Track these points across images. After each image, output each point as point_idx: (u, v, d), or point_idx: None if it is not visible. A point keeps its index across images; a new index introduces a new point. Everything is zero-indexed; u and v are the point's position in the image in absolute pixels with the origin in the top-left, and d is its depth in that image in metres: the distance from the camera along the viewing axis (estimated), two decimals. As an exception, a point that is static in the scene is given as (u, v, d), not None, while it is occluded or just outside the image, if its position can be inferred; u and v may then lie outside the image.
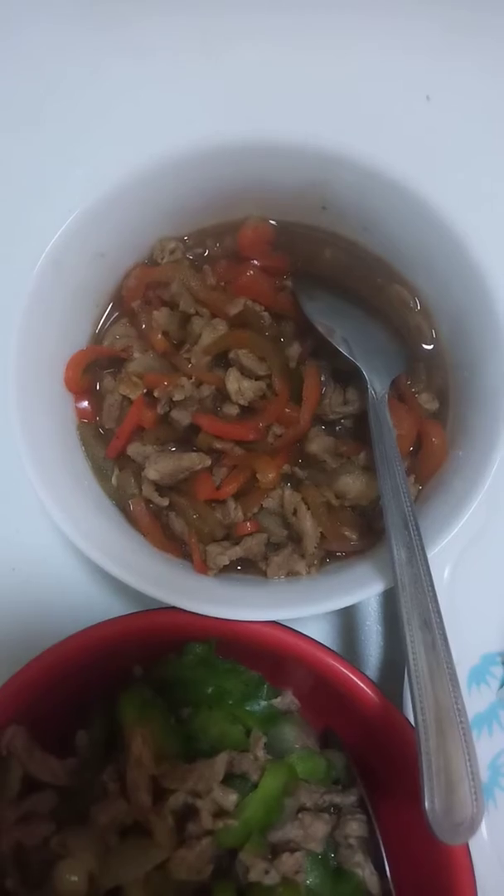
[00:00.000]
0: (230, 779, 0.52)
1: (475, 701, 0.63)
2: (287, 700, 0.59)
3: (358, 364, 0.59)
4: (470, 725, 0.46)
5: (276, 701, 0.58)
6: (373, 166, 0.58)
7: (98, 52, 0.84)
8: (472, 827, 0.44)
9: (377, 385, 0.59)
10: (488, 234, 0.57)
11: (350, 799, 0.56)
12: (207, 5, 0.85)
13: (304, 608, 0.53)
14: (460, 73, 0.83)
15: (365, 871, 0.54)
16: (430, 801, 0.43)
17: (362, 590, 0.53)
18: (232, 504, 0.60)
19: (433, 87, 0.83)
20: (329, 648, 0.55)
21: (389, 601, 0.70)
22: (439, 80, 0.83)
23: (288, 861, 0.50)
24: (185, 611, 0.53)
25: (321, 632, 0.69)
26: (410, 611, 0.48)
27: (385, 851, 0.55)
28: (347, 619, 0.70)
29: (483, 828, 0.60)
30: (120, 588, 0.68)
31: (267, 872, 0.49)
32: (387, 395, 0.58)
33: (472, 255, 0.57)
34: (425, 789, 0.43)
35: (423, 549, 0.51)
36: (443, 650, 0.47)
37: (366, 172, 0.59)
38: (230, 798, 0.51)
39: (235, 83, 0.82)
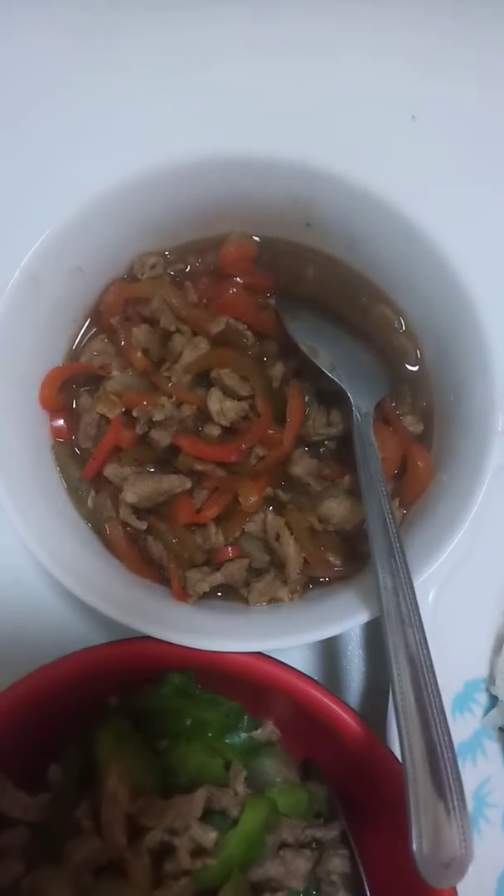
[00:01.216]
0: (209, 815, 0.51)
1: (459, 729, 0.62)
2: (268, 731, 0.57)
3: (342, 385, 0.58)
4: (457, 761, 0.45)
5: (257, 733, 0.56)
6: (358, 184, 0.57)
7: (79, 67, 0.83)
8: (461, 870, 0.42)
9: (362, 407, 0.57)
10: (474, 254, 0.57)
11: (332, 833, 0.54)
12: (189, 20, 0.84)
13: (286, 639, 0.51)
14: (445, 91, 0.83)
15: (349, 909, 0.52)
16: (419, 843, 0.42)
17: (347, 620, 0.51)
18: (213, 528, 0.58)
19: (419, 106, 0.82)
20: (311, 678, 0.53)
21: (372, 626, 0.68)
22: (425, 99, 0.82)
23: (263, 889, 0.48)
24: (163, 640, 0.52)
25: (302, 657, 0.67)
26: (397, 644, 0.47)
27: (368, 887, 0.54)
28: (329, 645, 0.68)
29: (469, 874, 0.59)
30: (95, 615, 0.65)
31: (247, 914, 0.48)
32: (371, 418, 0.57)
33: (457, 276, 0.56)
34: (413, 831, 0.42)
35: (409, 577, 0.50)
36: (430, 684, 0.46)
37: (351, 190, 0.58)
38: (209, 836, 0.49)
39: (218, 98, 0.81)
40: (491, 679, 0.63)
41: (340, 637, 0.68)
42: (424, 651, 0.47)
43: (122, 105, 0.81)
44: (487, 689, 0.63)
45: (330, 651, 0.68)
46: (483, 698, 0.63)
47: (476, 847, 0.59)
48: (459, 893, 0.52)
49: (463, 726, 0.62)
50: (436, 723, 0.44)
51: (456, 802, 0.43)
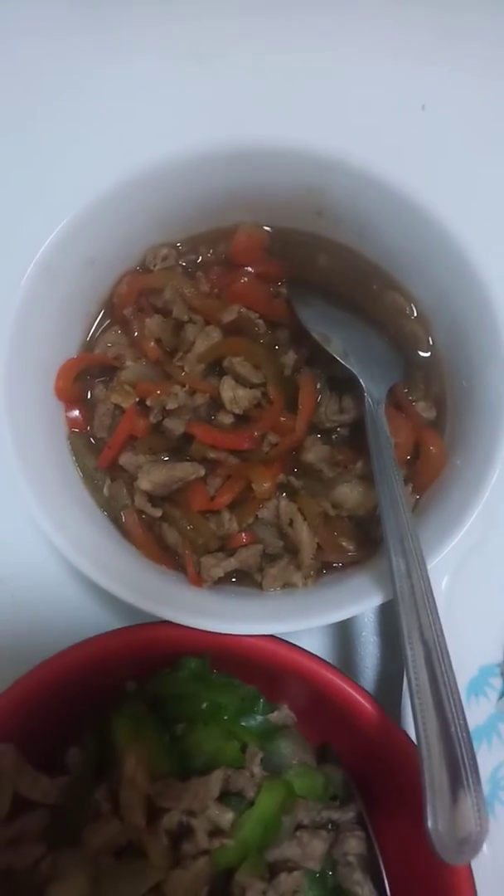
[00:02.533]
0: (226, 797, 0.51)
1: (474, 713, 0.62)
2: (283, 714, 0.58)
3: (354, 372, 0.58)
4: (471, 740, 0.45)
5: (273, 716, 0.57)
6: (369, 172, 0.57)
7: (89, 58, 0.83)
8: (476, 847, 0.43)
9: (374, 393, 0.58)
10: (486, 241, 0.57)
11: (348, 815, 0.55)
12: (197, 9, 0.85)
13: (300, 622, 0.52)
14: (456, 79, 0.83)
15: (364, 890, 0.52)
16: (433, 821, 0.42)
17: (360, 602, 0.52)
18: (227, 515, 0.59)
19: (429, 94, 0.82)
20: (326, 661, 0.54)
21: (386, 612, 0.69)
22: (435, 87, 0.82)
23: (286, 881, 0.49)
24: (179, 624, 0.52)
25: (317, 644, 0.68)
26: (410, 625, 0.47)
27: (384, 869, 0.54)
28: (344, 631, 0.68)
29: (486, 856, 0.59)
30: (113, 601, 0.66)
31: (264, 893, 0.48)
32: (384, 404, 0.58)
33: (469, 262, 0.56)
34: (428, 808, 0.42)
35: (422, 560, 0.50)
36: (444, 665, 0.46)
37: (362, 178, 0.58)
38: (226, 817, 0.50)
39: (227, 88, 0.81)
40: (506, 665, 0.63)
41: (354, 623, 0.69)
42: (438, 632, 0.48)
43: (131, 97, 0.81)
44: (502, 674, 0.63)
45: (344, 637, 0.68)
46: (498, 682, 0.63)
47: (492, 830, 0.60)
48: (475, 876, 0.53)
49: (478, 710, 0.62)
50: (450, 702, 0.45)
51: (471, 780, 0.43)
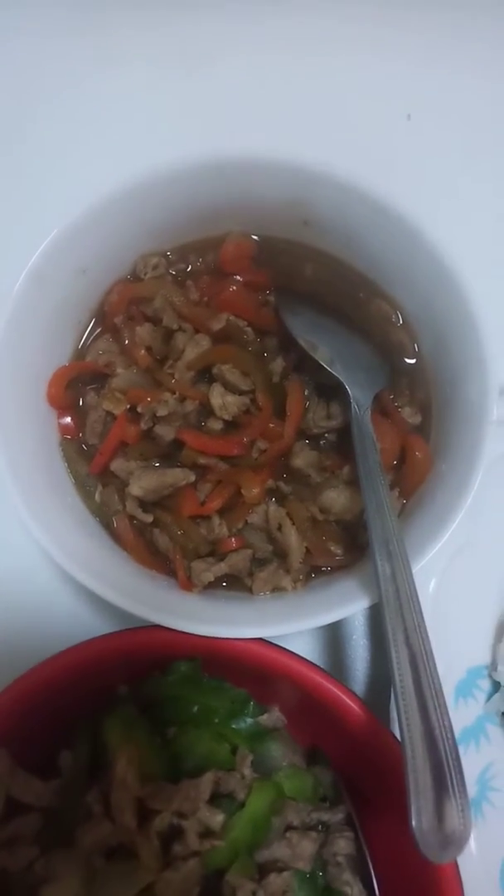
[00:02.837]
0: (216, 798, 0.52)
1: (462, 714, 0.63)
2: (273, 717, 0.58)
3: (341, 379, 0.59)
4: (456, 741, 0.46)
5: (263, 718, 0.57)
6: (353, 183, 0.59)
7: (81, 69, 0.84)
8: (460, 846, 0.43)
9: (360, 399, 0.59)
10: (468, 249, 0.58)
11: (338, 816, 0.56)
12: (186, 19, 0.86)
13: (289, 625, 0.53)
14: (441, 89, 0.84)
15: (353, 890, 0.53)
16: (418, 820, 0.43)
17: (348, 606, 0.53)
18: (217, 520, 0.59)
19: (414, 104, 0.83)
20: (315, 665, 0.55)
21: (375, 615, 0.70)
22: (420, 97, 0.84)
23: (276, 882, 0.50)
24: (169, 629, 0.53)
25: (307, 647, 0.68)
26: (395, 627, 0.48)
27: (373, 869, 0.55)
28: (333, 634, 0.69)
29: (472, 843, 0.60)
30: (104, 606, 0.67)
31: (255, 893, 0.49)
32: (370, 410, 0.59)
33: (452, 271, 0.57)
34: (412, 808, 0.43)
35: (407, 564, 0.51)
36: (428, 667, 0.47)
37: (346, 189, 0.59)
38: (217, 818, 0.50)
39: (216, 98, 0.83)
40: (493, 665, 0.64)
41: (344, 627, 0.69)
42: (423, 635, 0.49)
43: (122, 107, 0.83)
44: (490, 676, 0.64)
45: (334, 640, 0.69)
46: (486, 684, 0.64)
47: (480, 831, 0.61)
48: (463, 876, 0.53)
49: (466, 712, 0.63)
50: (434, 704, 0.46)
51: (454, 781, 0.44)
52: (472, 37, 0.87)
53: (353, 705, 0.53)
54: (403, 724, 0.45)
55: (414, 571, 0.52)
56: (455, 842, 0.43)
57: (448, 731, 0.45)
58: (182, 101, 0.83)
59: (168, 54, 0.85)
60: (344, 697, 0.53)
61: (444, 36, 0.87)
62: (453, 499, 0.54)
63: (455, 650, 0.63)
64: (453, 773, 0.44)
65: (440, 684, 0.47)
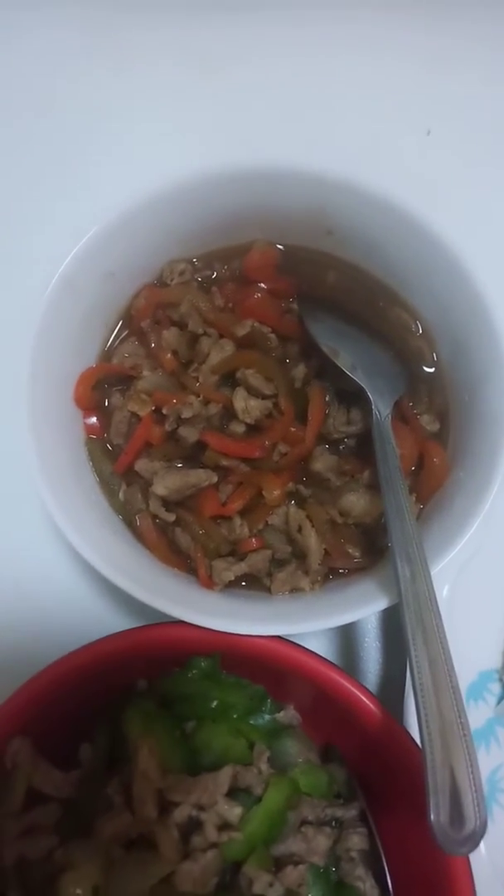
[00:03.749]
0: (234, 792, 0.53)
1: (473, 717, 0.64)
2: (289, 715, 0.60)
3: (362, 385, 0.61)
4: (472, 735, 0.47)
5: (279, 715, 0.58)
6: (375, 193, 0.60)
7: (109, 83, 0.86)
8: (476, 840, 0.45)
9: (381, 406, 0.60)
10: (487, 258, 0.59)
11: (351, 813, 0.57)
12: (211, 29, 0.88)
13: (307, 623, 0.54)
14: (460, 97, 0.86)
15: (366, 885, 0.54)
16: (436, 814, 0.44)
17: (365, 607, 0.54)
18: (238, 520, 0.61)
19: (433, 112, 0.85)
20: (331, 662, 0.56)
21: (388, 618, 0.71)
22: (439, 105, 0.85)
23: (291, 874, 0.51)
24: (189, 624, 0.54)
25: (321, 648, 0.70)
26: (415, 627, 0.50)
27: (386, 864, 0.56)
28: (347, 636, 0.70)
29: (482, 845, 0.61)
30: (125, 603, 0.69)
31: (271, 885, 0.50)
32: (390, 416, 0.60)
33: (472, 281, 0.59)
34: (430, 802, 0.44)
35: (426, 566, 0.52)
36: (446, 665, 0.48)
37: (369, 199, 0.61)
38: (234, 811, 0.51)
39: (241, 107, 0.85)
40: (503, 670, 0.65)
41: (357, 629, 0.71)
42: (441, 635, 0.50)
43: (149, 118, 0.84)
44: (500, 679, 0.65)
45: (348, 642, 0.70)
46: (496, 688, 0.65)
47: (489, 832, 0.62)
48: (474, 878, 0.54)
49: (477, 714, 0.64)
50: (452, 700, 0.47)
51: (471, 776, 0.45)
52: (492, 41, 0.88)
53: (368, 703, 0.54)
54: (423, 720, 0.46)
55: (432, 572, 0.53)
56: (472, 836, 0.44)
57: (465, 727, 0.47)
58: (203, 108, 0.85)
59: (190, 64, 0.87)
60: (359, 695, 0.55)
61: (465, 41, 0.88)
62: (471, 505, 0.55)
63: (466, 654, 0.64)
64: (470, 769, 0.45)
65: (458, 683, 0.48)
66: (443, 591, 0.64)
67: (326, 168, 0.60)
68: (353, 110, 0.84)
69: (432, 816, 0.44)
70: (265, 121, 0.82)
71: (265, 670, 0.57)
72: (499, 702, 0.65)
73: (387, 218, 0.61)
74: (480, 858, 0.60)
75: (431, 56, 0.88)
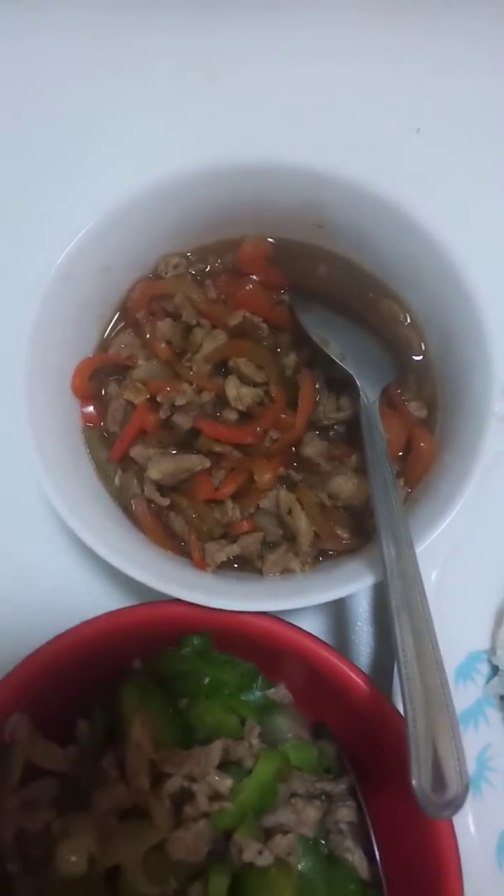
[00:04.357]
0: (226, 765, 0.55)
1: (462, 696, 0.65)
2: (280, 692, 0.61)
3: (351, 373, 0.63)
4: (454, 705, 0.48)
5: (271, 692, 0.60)
6: (365, 187, 0.62)
7: (108, 81, 0.89)
8: (457, 803, 0.46)
9: (369, 393, 0.62)
10: (474, 251, 0.61)
11: (341, 787, 0.58)
12: (206, 29, 0.90)
13: (297, 600, 0.55)
14: (450, 95, 0.88)
15: (355, 857, 0.56)
16: (418, 780, 0.45)
17: (353, 583, 0.56)
18: (230, 504, 0.63)
19: (424, 109, 0.87)
20: (322, 640, 0.57)
21: (379, 604, 0.72)
22: (429, 103, 0.87)
23: (281, 842, 0.52)
24: (182, 603, 0.56)
25: (313, 632, 0.71)
26: (399, 602, 0.51)
27: (374, 837, 0.58)
28: (338, 621, 0.72)
29: (470, 821, 0.62)
30: (120, 584, 0.71)
31: (260, 853, 0.52)
32: (378, 403, 0.62)
33: (460, 275, 0.60)
34: (412, 767, 0.46)
35: (411, 545, 0.54)
36: (430, 637, 0.50)
37: (360, 194, 0.63)
38: (226, 782, 0.53)
39: (232, 104, 0.87)
40: (492, 650, 0.67)
41: (348, 613, 0.72)
42: (425, 609, 0.51)
43: (144, 116, 0.87)
44: (489, 660, 0.67)
45: (339, 627, 0.72)
46: (485, 668, 0.67)
47: (477, 808, 0.64)
48: (462, 855, 0.56)
49: (465, 694, 0.65)
50: (435, 669, 0.48)
51: (454, 742, 0.46)
52: (482, 40, 0.90)
53: (358, 680, 0.56)
54: (406, 689, 0.48)
55: (418, 553, 0.55)
56: (454, 801, 0.46)
57: (448, 697, 0.48)
58: (200, 107, 0.87)
59: (187, 60, 0.89)
60: (349, 672, 0.56)
61: (455, 40, 0.90)
62: (455, 487, 0.57)
63: (455, 636, 0.66)
64: (453, 735, 0.47)
65: (440, 654, 0.50)
66: (431, 576, 0.66)
67: (316, 163, 0.63)
68: (345, 108, 0.86)
69: (414, 781, 0.46)
70: (259, 119, 0.84)
71: (257, 649, 0.59)
72: (487, 682, 0.66)
73: (376, 212, 0.63)
74: (470, 836, 0.62)
75: (424, 55, 0.90)
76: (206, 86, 0.89)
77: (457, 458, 0.60)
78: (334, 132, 0.81)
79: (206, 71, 0.89)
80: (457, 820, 0.55)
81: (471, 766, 0.64)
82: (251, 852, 0.51)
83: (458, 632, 0.66)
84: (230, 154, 0.63)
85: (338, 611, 0.72)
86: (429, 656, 0.49)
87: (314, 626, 0.72)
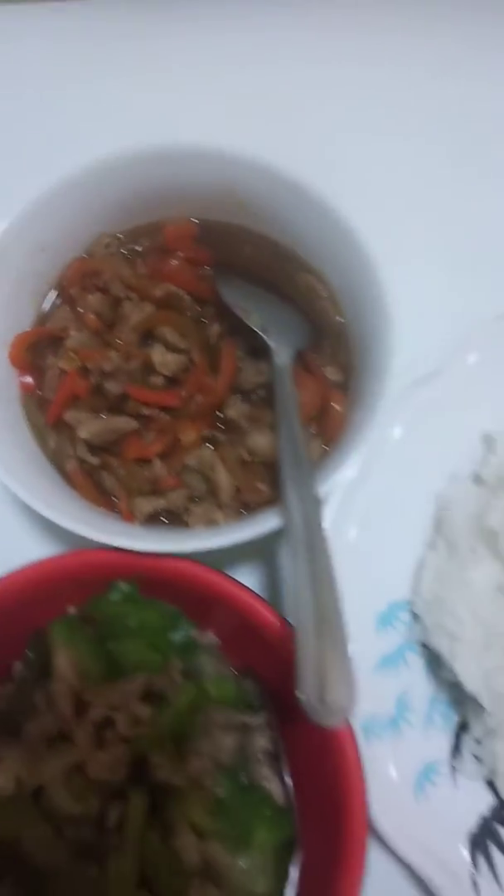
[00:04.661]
0: (148, 697, 0.58)
1: (384, 643, 0.69)
2: (207, 637, 0.65)
3: (267, 339, 0.68)
4: (346, 629, 0.52)
5: (195, 633, 0.64)
6: (278, 171, 0.68)
7: (40, 74, 0.94)
8: (345, 711, 0.50)
9: (283, 357, 0.67)
10: (375, 227, 0.66)
11: (259, 720, 0.62)
12: (149, 19, 0.96)
13: (218, 539, 0.60)
14: (361, 89, 0.94)
15: (272, 784, 0.59)
16: (304, 688, 0.49)
17: (269, 524, 0.60)
18: (157, 463, 0.67)
19: (330, 95, 0.93)
20: (246, 587, 0.61)
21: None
22: (341, 88, 0.94)
23: (195, 763, 0.56)
24: (111, 550, 0.60)
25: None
26: (296, 528, 0.56)
27: (290, 767, 0.61)
28: (272, 581, 0.76)
29: (390, 758, 0.66)
30: (53, 536, 0.74)
31: (176, 773, 0.55)
32: (290, 366, 0.67)
33: (364, 250, 0.66)
34: (299, 678, 0.50)
35: (312, 484, 0.58)
36: (324, 561, 0.54)
37: (275, 177, 0.68)
38: (146, 711, 0.57)
39: (163, 93, 0.92)
40: (413, 601, 0.71)
41: (278, 573, 0.75)
42: (320, 538, 0.55)
43: (82, 97, 0.92)
44: (410, 609, 0.71)
45: (272, 584, 0.75)
46: (406, 617, 0.70)
47: (397, 747, 0.67)
48: (381, 790, 0.60)
49: (388, 641, 0.69)
50: (327, 589, 0.53)
51: (338, 653, 0.50)
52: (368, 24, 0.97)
53: (274, 619, 0.59)
54: (295, 606, 0.52)
55: (335, 519, 0.60)
56: (341, 706, 0.49)
57: (339, 615, 0.52)
58: (132, 96, 0.92)
59: (124, 51, 0.95)
60: (266, 612, 0.59)
61: (374, 36, 0.97)
62: (355, 438, 0.62)
63: (377, 588, 0.70)
64: (341, 649, 0.51)
65: (333, 576, 0.54)
66: (350, 534, 0.70)
67: (234, 148, 0.69)
68: (264, 97, 0.91)
69: (302, 695, 0.49)
70: (189, 106, 0.90)
71: (184, 595, 0.62)
72: (408, 629, 0.70)
73: (286, 192, 0.68)
74: (389, 771, 0.65)
75: (319, 35, 0.96)
76: (140, 76, 0.93)
77: (361, 415, 0.64)
78: (253, 119, 0.85)
79: (141, 61, 0.94)
80: (377, 757, 0.61)
81: (392, 707, 0.68)
82: (166, 772, 0.55)
83: (379, 584, 0.71)
84: (157, 140, 0.69)
85: (270, 571, 0.76)
86: (322, 577, 0.53)
87: (248, 581, 0.75)
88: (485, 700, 0.64)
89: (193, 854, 0.54)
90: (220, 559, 0.68)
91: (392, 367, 0.63)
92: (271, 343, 0.67)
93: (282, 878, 0.58)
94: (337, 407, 0.68)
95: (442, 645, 0.66)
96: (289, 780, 0.62)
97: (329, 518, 0.68)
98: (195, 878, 0.55)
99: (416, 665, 0.70)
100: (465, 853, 0.64)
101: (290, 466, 0.60)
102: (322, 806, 0.57)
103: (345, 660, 0.51)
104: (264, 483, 0.67)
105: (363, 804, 0.54)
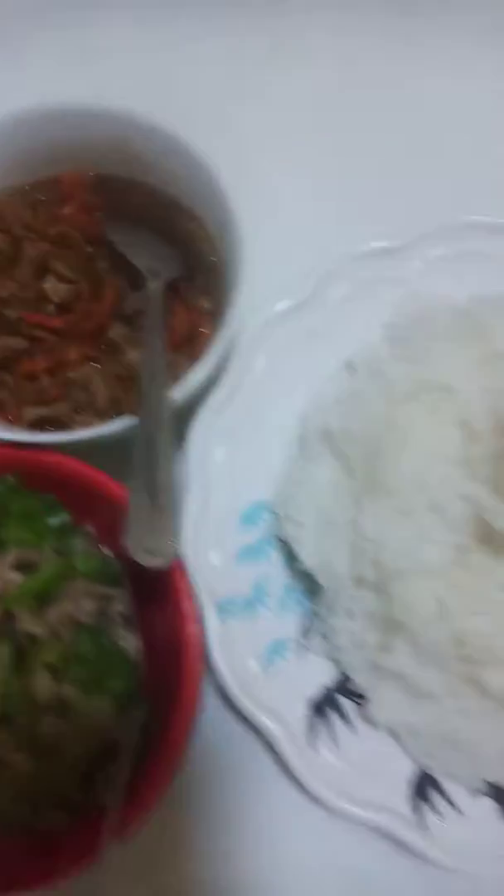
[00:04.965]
0: (20, 567, 0.68)
1: (246, 536, 0.78)
2: (85, 527, 0.74)
3: (144, 272, 0.78)
4: (173, 496, 0.62)
5: (69, 519, 0.73)
6: (161, 128, 0.78)
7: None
8: (167, 554, 0.60)
9: (155, 285, 0.77)
10: (238, 178, 0.77)
11: (120, 591, 0.71)
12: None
13: (87, 433, 0.69)
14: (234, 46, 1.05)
15: (127, 641, 0.69)
16: (129, 537, 0.59)
17: (130, 421, 0.69)
18: (45, 379, 0.77)
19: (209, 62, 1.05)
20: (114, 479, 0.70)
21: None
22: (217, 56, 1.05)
23: (52, 613, 0.65)
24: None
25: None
26: (145, 422, 0.66)
27: (143, 631, 0.71)
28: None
29: (244, 643, 0.74)
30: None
31: (37, 625, 0.65)
32: (162, 291, 0.77)
33: (227, 198, 0.76)
34: (128, 530, 0.60)
35: (164, 389, 0.69)
36: (163, 444, 0.65)
37: (157, 134, 0.79)
38: (16, 577, 0.67)
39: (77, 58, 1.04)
40: (273, 502, 0.80)
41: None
42: (163, 428, 0.65)
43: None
44: (270, 510, 0.80)
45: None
46: (268, 516, 0.79)
47: (253, 625, 0.76)
48: (237, 663, 0.70)
49: (249, 535, 0.77)
50: (161, 465, 0.63)
51: (160, 511, 0.60)
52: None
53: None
54: (133, 475, 0.62)
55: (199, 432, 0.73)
56: (161, 551, 0.60)
57: (167, 485, 0.62)
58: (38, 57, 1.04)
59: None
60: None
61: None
62: (209, 350, 0.72)
63: (242, 490, 0.79)
64: (161, 510, 0.61)
65: (170, 454, 0.64)
66: (217, 454, 0.78)
67: (122, 107, 0.79)
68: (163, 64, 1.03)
69: (127, 540, 0.59)
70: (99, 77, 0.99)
71: (64, 489, 0.72)
72: (269, 526, 0.79)
73: (172, 150, 0.79)
74: (242, 648, 0.74)
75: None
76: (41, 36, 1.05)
77: (218, 332, 0.74)
78: (146, 81, 0.94)
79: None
80: (231, 633, 0.71)
81: (249, 591, 0.76)
82: (27, 622, 0.64)
83: (244, 487, 0.80)
84: (54, 99, 0.80)
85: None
86: (159, 454, 0.63)
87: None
88: (321, 578, 0.73)
89: (46, 691, 0.64)
90: (100, 462, 0.77)
91: (239, 287, 0.73)
92: (149, 275, 0.77)
93: (132, 721, 0.67)
94: (205, 331, 0.78)
95: (289, 532, 0.75)
96: (140, 640, 0.71)
97: (198, 437, 0.77)
98: (49, 715, 0.64)
99: (276, 560, 0.79)
100: (305, 712, 0.72)
101: (149, 375, 0.70)
102: (168, 654, 0.67)
103: (165, 516, 0.60)
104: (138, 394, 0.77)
105: (194, 632, 0.65)
